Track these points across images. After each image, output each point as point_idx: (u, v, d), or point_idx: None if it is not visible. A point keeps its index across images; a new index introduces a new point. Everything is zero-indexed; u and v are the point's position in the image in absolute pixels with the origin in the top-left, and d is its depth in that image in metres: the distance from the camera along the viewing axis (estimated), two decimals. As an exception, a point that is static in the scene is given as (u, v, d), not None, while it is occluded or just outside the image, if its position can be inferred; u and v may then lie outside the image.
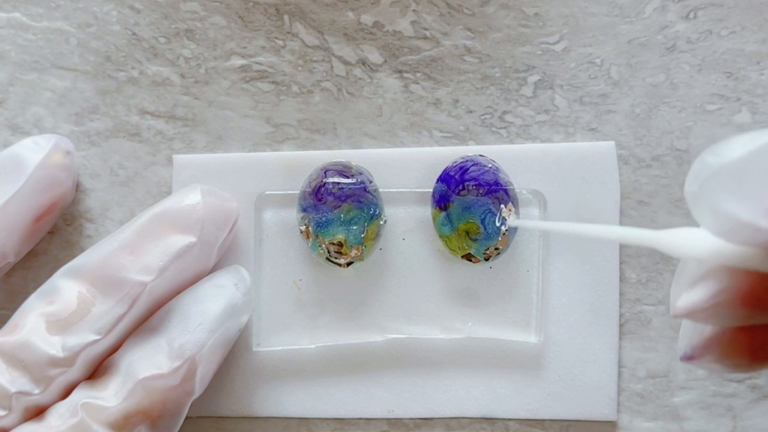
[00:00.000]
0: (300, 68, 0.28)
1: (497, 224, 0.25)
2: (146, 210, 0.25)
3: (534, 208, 0.27)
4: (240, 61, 0.28)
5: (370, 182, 0.26)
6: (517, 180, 0.27)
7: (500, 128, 0.28)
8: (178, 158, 0.28)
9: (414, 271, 0.27)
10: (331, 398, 0.27)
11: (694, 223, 0.17)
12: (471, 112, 0.28)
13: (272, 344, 0.27)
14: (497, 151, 0.27)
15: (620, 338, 0.27)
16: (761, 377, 0.27)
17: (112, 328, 0.23)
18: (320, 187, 0.26)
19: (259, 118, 0.28)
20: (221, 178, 0.28)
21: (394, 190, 0.27)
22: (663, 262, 0.27)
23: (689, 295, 0.17)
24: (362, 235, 0.26)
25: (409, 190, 0.27)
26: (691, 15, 0.28)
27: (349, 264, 0.26)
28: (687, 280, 0.17)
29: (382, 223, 0.26)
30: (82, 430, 0.22)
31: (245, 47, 0.28)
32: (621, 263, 0.27)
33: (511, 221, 0.25)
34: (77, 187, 0.28)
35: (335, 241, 0.26)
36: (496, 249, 0.26)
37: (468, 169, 0.26)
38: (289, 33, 0.28)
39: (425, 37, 0.28)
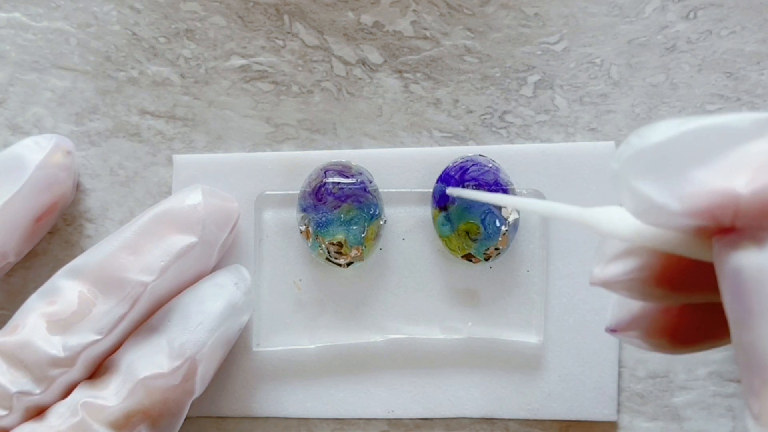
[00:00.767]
0: (300, 68, 0.28)
1: (497, 224, 0.25)
2: (147, 210, 0.25)
3: (534, 208, 0.27)
4: (240, 61, 0.28)
5: (370, 182, 0.26)
6: (517, 180, 0.27)
7: (500, 128, 0.28)
8: (178, 158, 0.28)
9: (414, 271, 0.27)
10: (331, 398, 0.27)
11: None
12: (471, 112, 0.28)
13: (272, 344, 0.27)
14: (497, 151, 0.27)
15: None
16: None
17: (113, 328, 0.23)
18: (320, 187, 0.26)
19: (259, 118, 0.28)
20: (221, 178, 0.28)
21: (394, 190, 0.27)
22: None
23: (606, 268, 0.18)
24: (362, 235, 0.26)
25: (409, 190, 0.27)
26: (691, 15, 0.28)
27: (349, 264, 0.26)
28: (608, 253, 0.18)
29: (382, 223, 0.26)
30: (82, 429, 0.22)
31: (245, 47, 0.28)
32: (621, 263, 0.27)
33: (450, 190, 0.25)
34: (77, 187, 0.28)
35: (335, 241, 0.26)
36: (496, 249, 0.26)
37: (468, 169, 0.26)
38: (289, 33, 0.28)
39: (425, 37, 0.28)
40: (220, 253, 0.26)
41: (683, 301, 0.18)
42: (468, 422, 0.27)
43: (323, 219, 0.26)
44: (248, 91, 0.28)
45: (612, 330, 0.21)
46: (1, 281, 0.28)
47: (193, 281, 0.25)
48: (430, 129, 0.28)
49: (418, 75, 0.28)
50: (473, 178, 0.26)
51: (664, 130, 0.15)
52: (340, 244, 0.26)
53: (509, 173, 0.26)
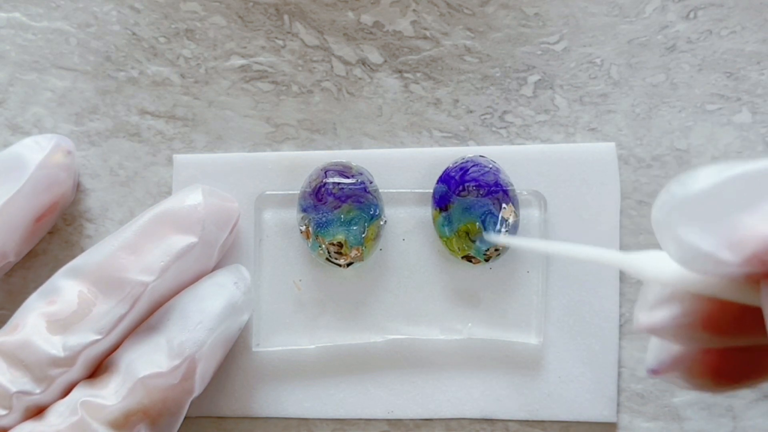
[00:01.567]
0: (300, 68, 0.28)
1: (496, 229, 0.25)
2: (147, 210, 0.25)
3: (534, 208, 0.27)
4: (240, 61, 0.28)
5: (370, 182, 0.26)
6: (518, 181, 0.27)
7: (500, 128, 0.28)
8: (178, 158, 0.28)
9: (414, 271, 0.27)
10: (331, 398, 0.27)
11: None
12: (471, 112, 0.28)
13: (272, 344, 0.27)
14: (497, 151, 0.27)
15: (620, 338, 0.27)
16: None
17: (113, 328, 0.23)
18: (320, 187, 0.26)
19: (259, 118, 0.28)
20: (221, 178, 0.28)
21: (394, 190, 0.27)
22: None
23: (651, 314, 0.18)
24: (362, 236, 0.26)
25: (409, 190, 0.27)
26: (691, 15, 0.28)
27: (349, 264, 0.26)
28: (651, 299, 0.18)
29: (382, 223, 0.26)
30: (82, 428, 0.22)
31: (245, 47, 0.28)
32: (621, 263, 0.27)
33: (491, 237, 0.25)
34: (77, 187, 0.28)
35: (335, 242, 0.26)
36: (497, 250, 0.26)
37: (468, 169, 0.26)
38: (289, 33, 0.28)
39: (425, 37, 0.28)
40: (220, 253, 0.26)
41: (727, 344, 0.18)
42: (468, 423, 0.27)
43: (323, 219, 0.26)
44: (248, 91, 0.28)
45: (654, 371, 0.20)
46: (1, 281, 0.28)
47: (193, 281, 0.25)
48: (430, 129, 0.28)
49: (418, 75, 0.28)
50: (474, 179, 0.26)
51: (706, 177, 0.15)
52: (340, 245, 0.26)
53: (509, 174, 0.26)
